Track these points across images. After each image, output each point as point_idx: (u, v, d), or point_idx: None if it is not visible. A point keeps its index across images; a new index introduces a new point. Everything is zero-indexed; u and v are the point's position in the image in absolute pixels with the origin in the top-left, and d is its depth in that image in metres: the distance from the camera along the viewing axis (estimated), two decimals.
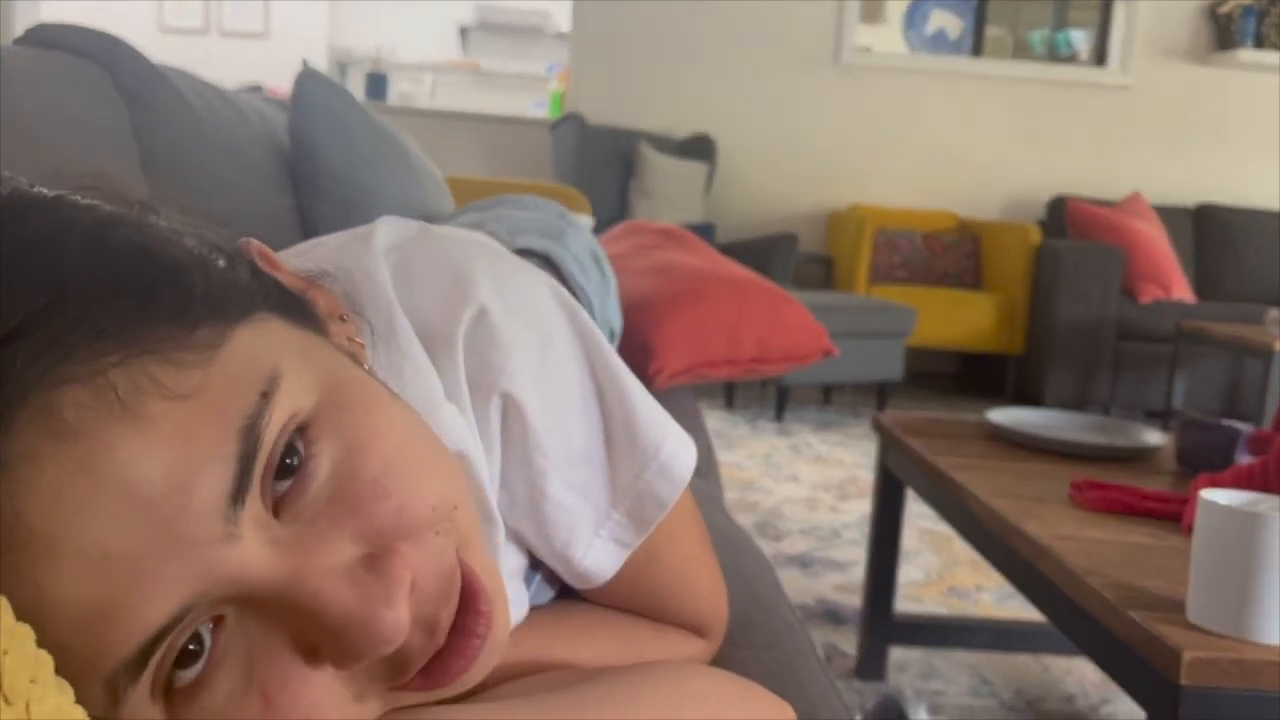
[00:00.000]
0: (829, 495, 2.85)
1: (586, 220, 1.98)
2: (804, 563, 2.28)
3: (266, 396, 0.33)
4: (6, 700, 0.26)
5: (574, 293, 1.17)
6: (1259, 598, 0.82)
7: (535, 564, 0.57)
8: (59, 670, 0.29)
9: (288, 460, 0.34)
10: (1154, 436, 1.56)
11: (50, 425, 0.29)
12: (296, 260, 0.51)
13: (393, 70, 6.35)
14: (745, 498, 2.75)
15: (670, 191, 4.46)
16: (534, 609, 0.55)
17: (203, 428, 0.31)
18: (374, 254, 0.51)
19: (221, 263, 0.37)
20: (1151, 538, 1.14)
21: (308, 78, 1.56)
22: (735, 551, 0.99)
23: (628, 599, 0.58)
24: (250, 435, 0.32)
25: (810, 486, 2.93)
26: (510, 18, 6.58)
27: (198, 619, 0.32)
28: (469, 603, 0.37)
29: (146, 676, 0.32)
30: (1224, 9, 4.94)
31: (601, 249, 1.34)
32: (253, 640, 0.33)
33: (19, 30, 1.18)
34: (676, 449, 0.54)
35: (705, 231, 4.01)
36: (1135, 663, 0.91)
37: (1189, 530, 1.15)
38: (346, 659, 0.34)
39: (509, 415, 0.50)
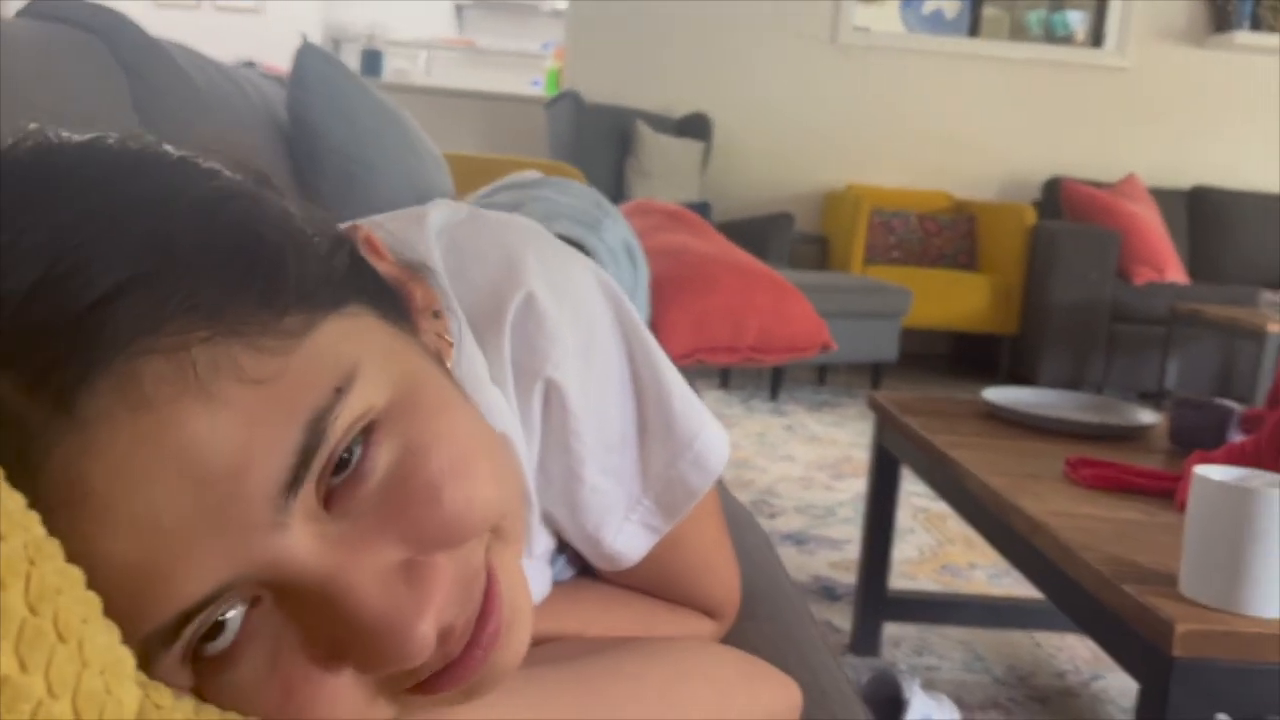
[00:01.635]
0: (823, 474, 2.86)
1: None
2: (799, 540, 2.29)
3: (340, 392, 0.33)
4: (60, 637, 0.26)
5: None
6: (1251, 571, 0.83)
7: (560, 545, 0.57)
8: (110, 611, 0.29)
9: (345, 454, 0.34)
10: (1147, 416, 1.58)
11: (128, 393, 0.30)
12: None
13: (387, 47, 6.32)
14: (740, 476, 2.77)
15: (667, 170, 4.46)
16: (554, 585, 0.56)
17: (271, 415, 0.31)
18: (428, 235, 0.51)
19: (324, 248, 0.36)
20: (1144, 514, 1.16)
21: (307, 53, 1.55)
22: (734, 526, 1.00)
23: (648, 581, 0.59)
24: (316, 429, 0.32)
25: (805, 465, 2.94)
26: None
27: (234, 599, 0.32)
28: (484, 614, 0.37)
29: (178, 647, 0.32)
30: None
31: (637, 241, 1.34)
32: (283, 629, 0.34)
33: (20, 3, 1.17)
34: (711, 440, 0.54)
35: (701, 210, 4.01)
36: (1128, 635, 0.92)
37: (1182, 506, 1.16)
38: (370, 663, 0.34)
39: (550, 401, 0.50)
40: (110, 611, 0.30)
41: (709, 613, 0.62)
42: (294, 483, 0.32)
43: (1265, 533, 0.81)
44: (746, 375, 4.23)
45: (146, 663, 0.32)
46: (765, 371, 4.14)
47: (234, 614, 0.33)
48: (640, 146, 4.44)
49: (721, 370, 4.07)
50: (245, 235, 0.33)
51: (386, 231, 0.52)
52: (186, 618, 0.32)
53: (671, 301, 1.62)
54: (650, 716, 0.45)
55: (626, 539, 0.55)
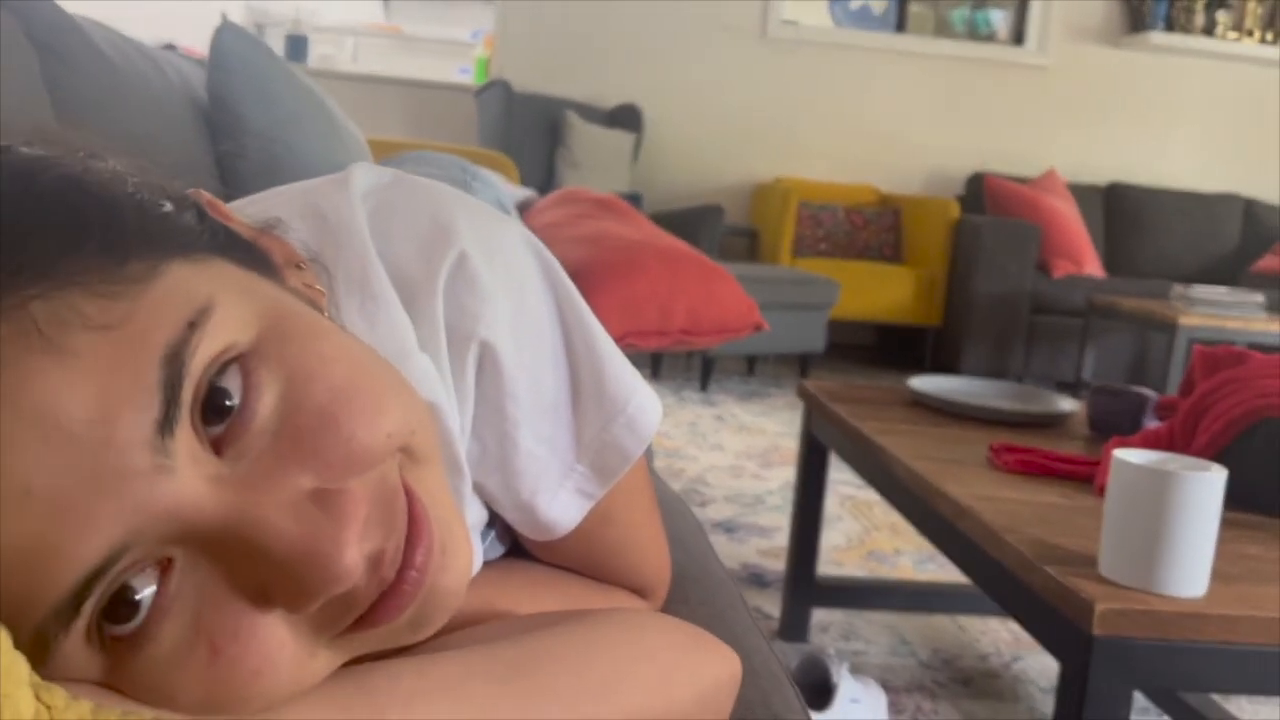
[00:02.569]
0: (752, 463, 2.89)
1: (495, 177, 1.96)
2: (728, 528, 2.31)
3: (194, 326, 0.32)
4: None
5: None
6: (1168, 552, 0.86)
7: (490, 520, 0.56)
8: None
9: (226, 402, 0.33)
10: (1066, 403, 1.61)
11: None
12: (251, 208, 0.50)
13: (313, 33, 6.18)
14: (671, 465, 2.78)
15: (597, 161, 4.44)
16: (484, 564, 0.55)
17: (126, 358, 0.30)
18: (350, 198, 0.50)
19: (167, 206, 0.36)
20: (1065, 498, 1.18)
21: (227, 31, 1.51)
22: (667, 513, 1.00)
23: (579, 557, 0.58)
24: (174, 364, 0.31)
25: (734, 455, 2.96)
26: None
27: (136, 561, 0.31)
28: (413, 534, 0.36)
29: (80, 624, 0.31)
30: None
31: (511, 203, 1.33)
32: (202, 587, 0.32)
33: None
34: (644, 404, 0.54)
35: (632, 201, 4.01)
36: (1050, 615, 0.94)
37: (1100, 491, 1.19)
38: (299, 598, 0.33)
39: (484, 364, 0.50)
40: (3, 602, 0.28)
41: (639, 592, 0.62)
42: (165, 421, 0.31)
43: (1181, 514, 0.84)
44: (677, 366, 4.25)
45: (45, 654, 0.30)
46: (695, 362, 4.16)
47: (147, 591, 0.32)
48: (571, 136, 4.42)
49: (652, 360, 4.08)
50: (68, 194, 0.33)
51: (293, 194, 0.51)
52: (85, 588, 0.30)
53: (599, 287, 1.61)
54: (593, 692, 0.44)
55: (561, 506, 0.54)
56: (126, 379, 0.30)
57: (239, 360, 0.33)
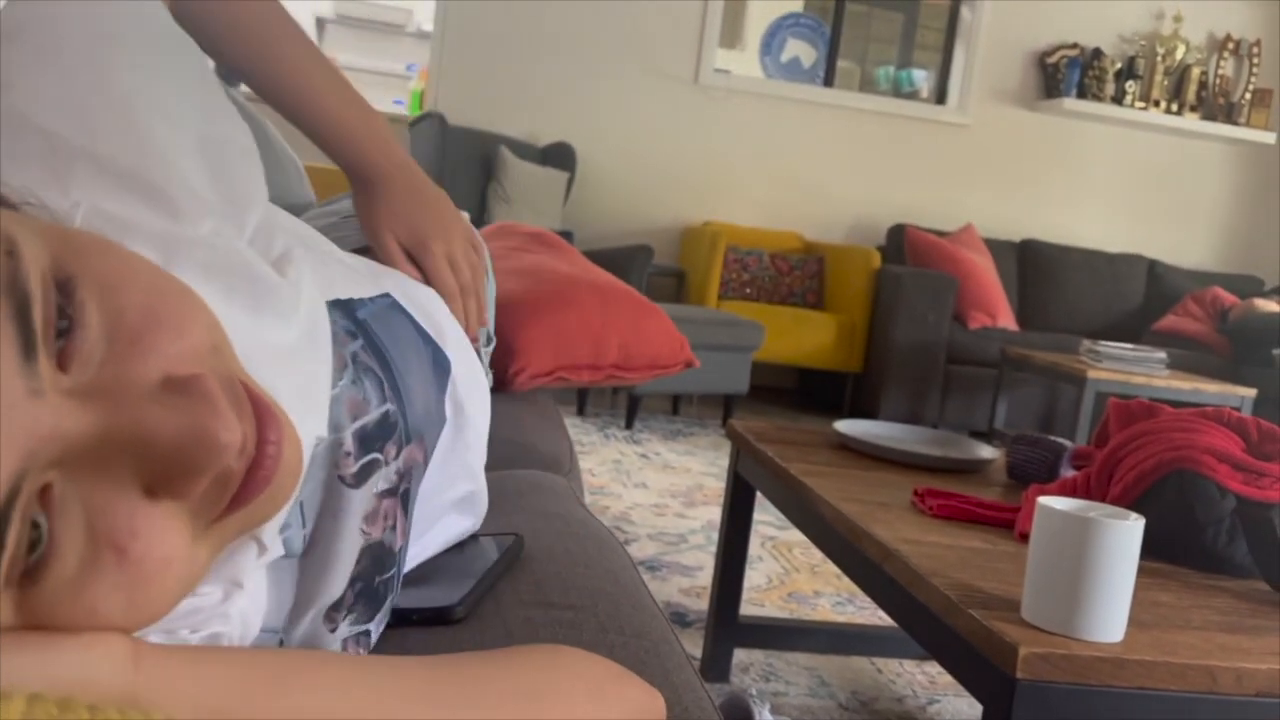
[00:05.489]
0: (676, 502, 2.90)
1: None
2: (652, 566, 2.31)
3: (12, 255, 0.33)
4: None
5: None
6: (1089, 597, 0.88)
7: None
8: None
9: (61, 322, 0.34)
10: (987, 451, 1.66)
11: None
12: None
13: None
14: (596, 503, 2.77)
15: (529, 197, 4.45)
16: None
17: None
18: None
19: None
20: (986, 543, 1.21)
21: None
22: (599, 545, 1.00)
23: None
24: (16, 290, 0.32)
25: (658, 493, 2.97)
26: (370, 12, 6.43)
27: (31, 491, 0.32)
28: (261, 413, 0.38)
29: (4, 562, 0.31)
30: (1051, 59, 5.30)
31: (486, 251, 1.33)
32: (86, 500, 0.33)
33: None
34: None
35: (565, 238, 4.03)
36: (974, 658, 0.96)
37: (1021, 536, 1.23)
38: (188, 480, 0.34)
39: None
40: None
41: None
42: (28, 347, 0.32)
43: (1103, 560, 0.87)
44: (602, 404, 4.25)
45: None
46: (621, 400, 4.16)
47: (41, 518, 0.32)
48: (503, 172, 4.42)
49: (579, 397, 4.08)
50: None
51: None
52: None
53: (531, 320, 1.61)
54: (525, 696, 0.45)
55: None
56: None
57: (56, 280, 0.35)
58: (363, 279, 0.67)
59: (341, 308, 0.61)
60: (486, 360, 1.01)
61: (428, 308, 0.73)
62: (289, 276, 0.55)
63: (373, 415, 0.59)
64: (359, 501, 0.57)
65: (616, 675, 0.51)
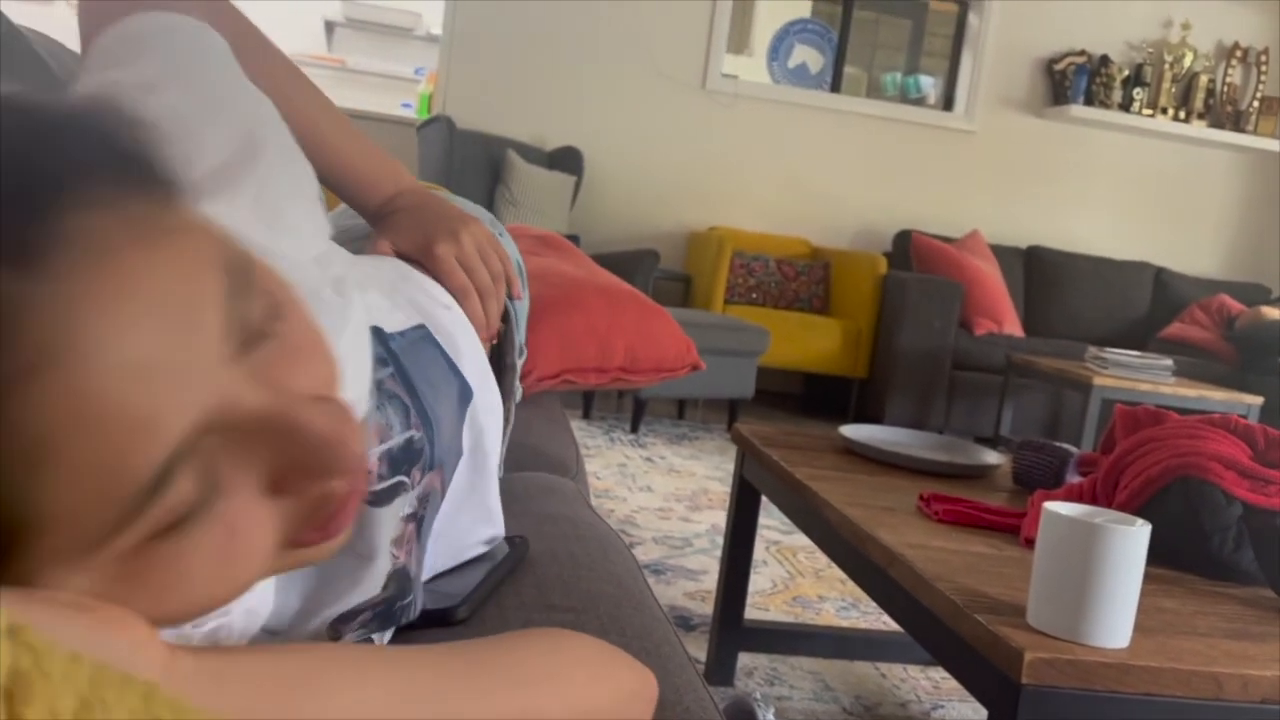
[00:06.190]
0: (681, 505, 2.90)
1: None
2: (656, 570, 2.31)
3: (233, 245, 0.36)
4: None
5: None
6: (1095, 603, 0.88)
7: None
8: (67, 500, 0.30)
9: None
10: (992, 456, 1.66)
11: (87, 245, 0.30)
12: None
13: None
14: (601, 506, 2.77)
15: (537, 200, 4.46)
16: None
17: (201, 259, 0.34)
18: None
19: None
20: (992, 548, 1.21)
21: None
22: (604, 548, 1.01)
23: None
24: (235, 273, 0.35)
25: (663, 497, 2.97)
26: (379, 15, 6.44)
27: (209, 450, 0.33)
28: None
29: (143, 524, 0.32)
30: (1059, 66, 5.30)
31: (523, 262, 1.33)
32: (222, 474, 0.35)
33: None
34: None
35: (571, 242, 4.04)
36: (979, 663, 0.96)
37: (1027, 542, 1.23)
38: (314, 478, 0.36)
39: None
40: (89, 479, 0.30)
41: None
42: (232, 324, 0.34)
43: (1109, 565, 0.87)
44: (608, 407, 4.25)
45: (117, 533, 0.32)
46: (626, 404, 4.17)
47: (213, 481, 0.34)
48: (511, 175, 4.43)
49: (584, 401, 4.08)
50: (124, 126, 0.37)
51: None
52: (166, 471, 0.32)
53: (539, 323, 1.61)
54: (529, 689, 0.45)
55: None
56: (208, 277, 0.34)
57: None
58: (399, 309, 0.70)
59: (376, 335, 0.63)
60: (518, 371, 1.02)
61: (453, 335, 0.76)
62: (345, 298, 0.58)
63: (397, 440, 0.60)
64: (386, 522, 0.58)
65: (612, 654, 0.51)
